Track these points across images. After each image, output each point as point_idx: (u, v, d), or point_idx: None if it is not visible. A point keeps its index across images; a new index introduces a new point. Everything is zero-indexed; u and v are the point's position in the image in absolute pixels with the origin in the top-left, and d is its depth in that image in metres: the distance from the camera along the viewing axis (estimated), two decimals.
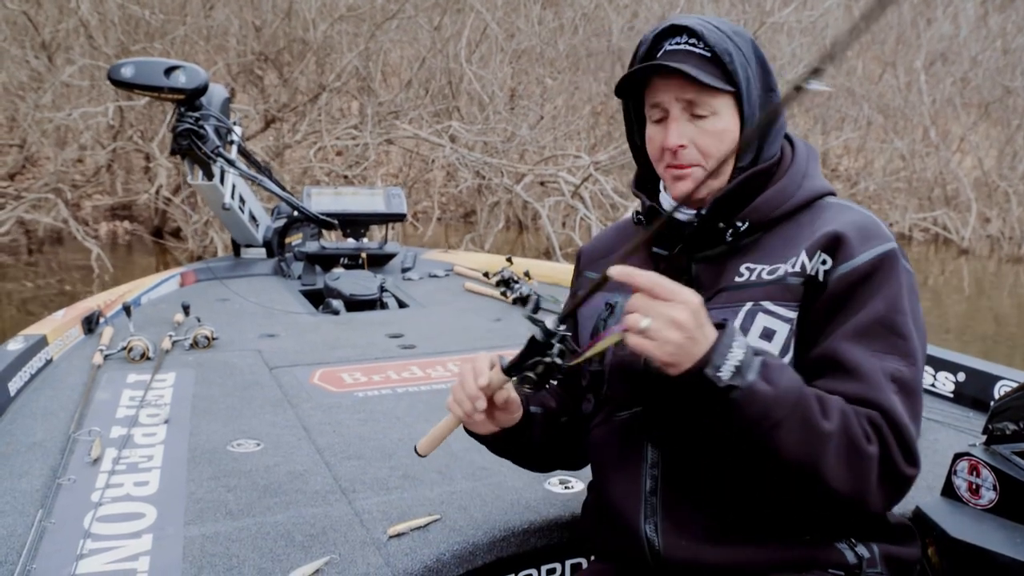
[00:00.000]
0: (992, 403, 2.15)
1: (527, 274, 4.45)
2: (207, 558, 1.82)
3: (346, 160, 11.62)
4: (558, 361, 1.50)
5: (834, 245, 1.54)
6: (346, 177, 11.10)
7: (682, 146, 1.60)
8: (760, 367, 1.39)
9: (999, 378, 2.36)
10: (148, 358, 3.25)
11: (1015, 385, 2.31)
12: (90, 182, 11.53)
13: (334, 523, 1.98)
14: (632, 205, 10.04)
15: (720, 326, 1.41)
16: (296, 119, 11.79)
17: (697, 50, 1.58)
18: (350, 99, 12.84)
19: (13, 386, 2.85)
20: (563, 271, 4.73)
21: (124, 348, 3.26)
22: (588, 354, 1.51)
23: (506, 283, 4.34)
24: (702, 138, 1.60)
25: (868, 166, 14.36)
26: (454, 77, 12.31)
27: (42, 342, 3.20)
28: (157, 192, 10.71)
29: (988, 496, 1.97)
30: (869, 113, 14.15)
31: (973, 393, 2.76)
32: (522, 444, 1.80)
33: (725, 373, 1.36)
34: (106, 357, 3.24)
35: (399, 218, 5.11)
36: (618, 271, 1.38)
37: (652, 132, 1.66)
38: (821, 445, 1.41)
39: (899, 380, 1.50)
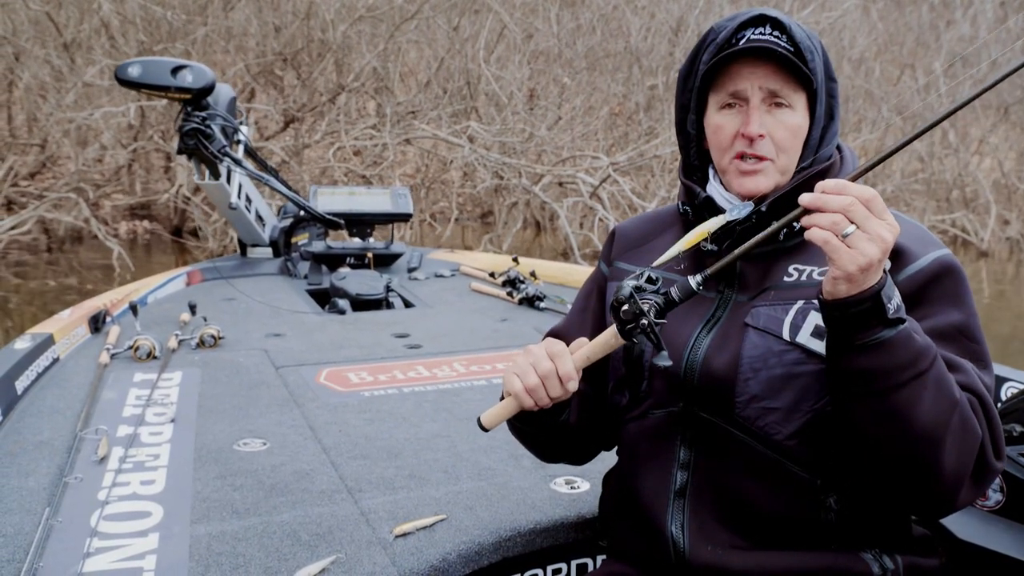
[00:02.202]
0: (999, 405, 2.16)
1: (533, 274, 4.46)
2: (213, 557, 1.84)
3: (364, 160, 11.65)
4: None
5: (894, 252, 1.51)
6: (364, 177, 11.13)
7: (761, 135, 1.58)
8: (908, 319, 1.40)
9: (1006, 379, 2.35)
10: (155, 357, 3.26)
11: (1022, 387, 2.31)
12: (110, 182, 11.59)
13: (340, 522, 1.99)
14: (650, 206, 10.03)
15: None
16: (314, 119, 11.83)
17: (782, 43, 1.56)
18: (367, 99, 12.86)
19: (20, 384, 2.86)
20: (569, 271, 4.74)
21: (131, 347, 3.28)
22: (689, 241, 1.54)
23: (512, 283, 4.35)
24: (779, 131, 1.58)
25: (886, 168, 14.26)
26: (472, 78, 12.32)
27: (49, 341, 3.21)
28: (177, 191, 10.78)
29: (995, 498, 1.98)
30: (887, 115, 14.08)
31: None
32: (553, 426, 1.73)
33: (892, 306, 1.37)
34: (113, 356, 3.25)
35: (405, 218, 5.10)
36: (830, 184, 1.36)
37: (722, 120, 1.62)
38: (949, 412, 1.41)
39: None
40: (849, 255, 1.33)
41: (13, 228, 10.01)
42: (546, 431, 1.75)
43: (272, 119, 11.72)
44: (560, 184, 11.42)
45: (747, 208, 1.58)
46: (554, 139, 11.65)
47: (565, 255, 10.53)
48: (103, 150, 11.23)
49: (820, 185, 1.37)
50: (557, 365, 1.57)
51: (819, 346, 1.52)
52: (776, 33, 1.57)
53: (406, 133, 11.57)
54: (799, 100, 1.58)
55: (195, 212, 10.89)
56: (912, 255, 1.53)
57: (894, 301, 1.37)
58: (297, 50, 11.67)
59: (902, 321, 1.37)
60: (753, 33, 1.58)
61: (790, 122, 1.58)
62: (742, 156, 1.60)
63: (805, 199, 1.37)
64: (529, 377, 1.57)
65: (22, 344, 3.09)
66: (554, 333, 1.91)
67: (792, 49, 1.56)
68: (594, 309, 1.91)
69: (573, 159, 11.38)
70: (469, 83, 12.37)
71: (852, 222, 1.33)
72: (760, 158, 1.59)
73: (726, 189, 1.67)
